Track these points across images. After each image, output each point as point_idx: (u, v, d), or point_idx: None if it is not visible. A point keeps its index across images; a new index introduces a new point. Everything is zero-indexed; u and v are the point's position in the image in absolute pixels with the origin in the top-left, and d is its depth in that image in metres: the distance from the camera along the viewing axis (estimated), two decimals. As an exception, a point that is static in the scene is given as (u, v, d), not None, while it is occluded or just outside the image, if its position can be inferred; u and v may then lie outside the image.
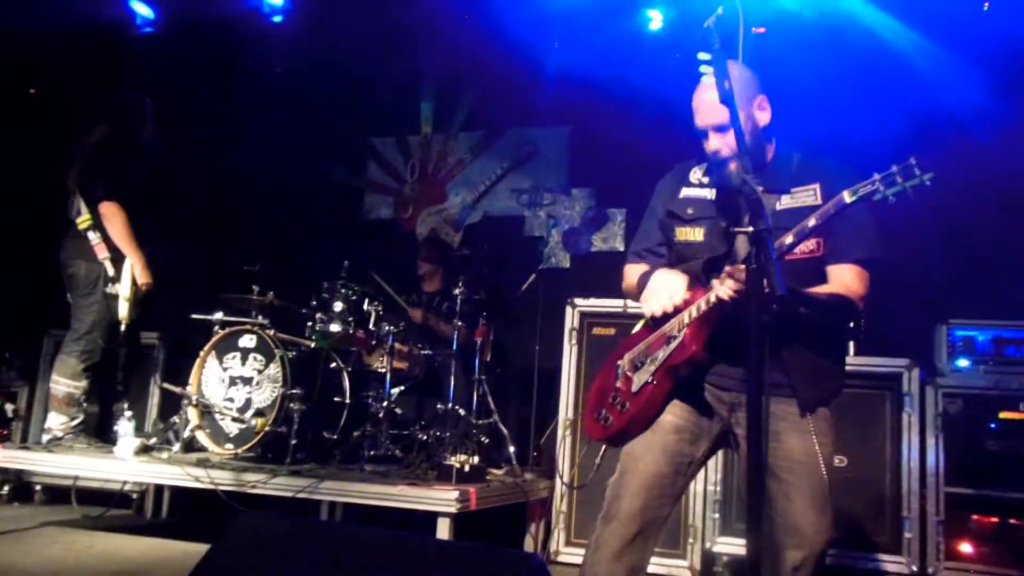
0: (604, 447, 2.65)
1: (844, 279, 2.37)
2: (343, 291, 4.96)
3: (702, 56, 2.26)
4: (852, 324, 2.47)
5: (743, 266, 2.09)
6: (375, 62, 6.73)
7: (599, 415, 2.55)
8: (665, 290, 2.38)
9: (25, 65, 6.69)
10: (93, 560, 4.19)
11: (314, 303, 4.98)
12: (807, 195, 2.38)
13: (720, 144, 2.38)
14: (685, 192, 2.58)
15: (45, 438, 4.89)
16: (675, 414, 2.45)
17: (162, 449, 4.83)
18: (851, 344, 4.63)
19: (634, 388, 2.44)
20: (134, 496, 5.44)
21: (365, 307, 5.02)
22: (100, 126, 5.06)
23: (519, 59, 6.23)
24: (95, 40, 6.72)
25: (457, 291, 4.94)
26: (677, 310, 2.36)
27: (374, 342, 5.07)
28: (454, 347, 4.93)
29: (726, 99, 2.12)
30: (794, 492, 2.30)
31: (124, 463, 4.58)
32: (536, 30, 6.24)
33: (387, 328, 4.90)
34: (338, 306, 4.93)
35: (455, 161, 6.92)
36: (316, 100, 6.93)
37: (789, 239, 2.17)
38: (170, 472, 4.44)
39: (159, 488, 5.42)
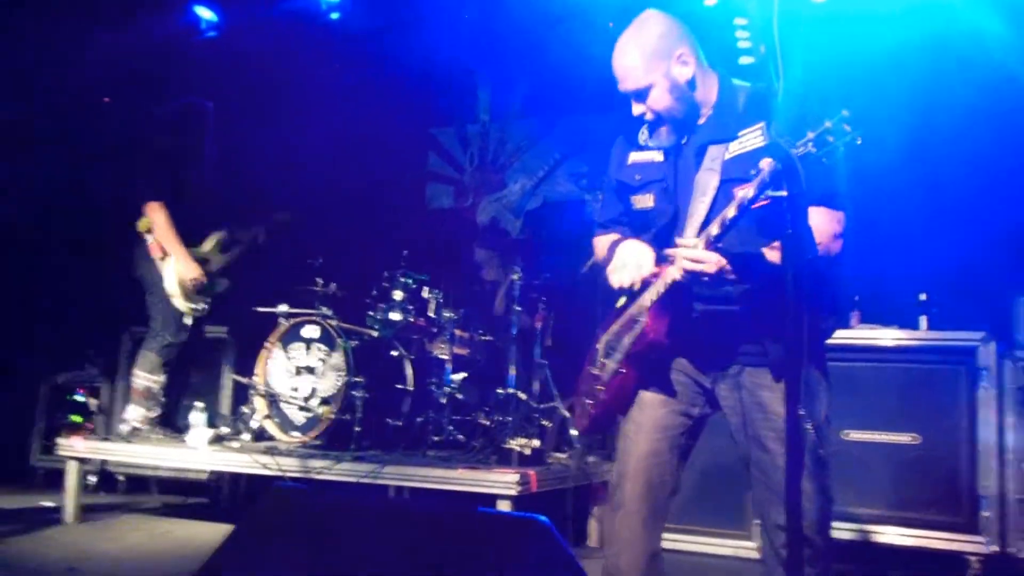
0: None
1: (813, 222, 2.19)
2: (403, 279, 5.02)
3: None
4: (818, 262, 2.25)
5: (692, 240, 2.06)
6: (432, 53, 6.78)
7: (580, 404, 2.52)
8: (633, 261, 2.27)
9: (96, 72, 6.91)
10: (173, 545, 4.36)
11: (375, 292, 5.05)
12: (755, 136, 2.21)
13: (643, 109, 2.30)
14: (633, 157, 2.45)
15: (124, 429, 5.08)
16: (660, 387, 2.38)
17: (233, 439, 4.97)
18: (923, 319, 4.49)
19: (606, 376, 2.38)
20: (211, 484, 5.62)
21: (425, 295, 5.07)
22: (160, 133, 5.23)
23: (573, 43, 6.18)
24: (162, 46, 6.92)
25: (515, 277, 4.94)
26: (646, 283, 2.26)
27: (435, 329, 5.12)
28: (514, 332, 4.93)
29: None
30: (783, 461, 2.16)
31: (197, 453, 4.73)
32: (587, 14, 6.19)
33: (447, 315, 4.94)
34: (398, 294, 4.99)
35: (513, 148, 6.92)
36: (376, 93, 7.00)
37: (731, 212, 2.02)
38: (240, 460, 4.57)
39: (234, 476, 5.58)
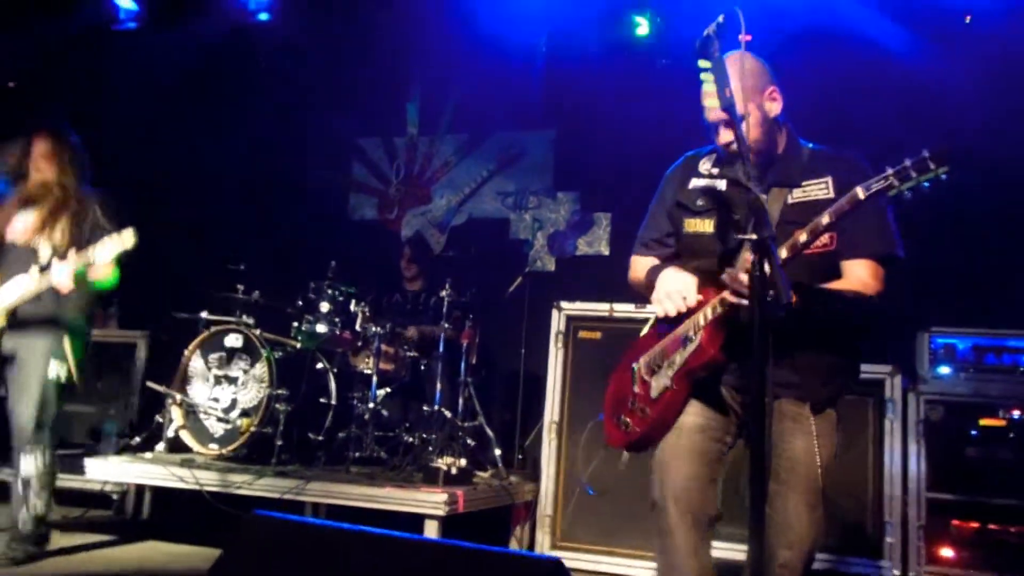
0: (626, 453, 2.60)
1: (859, 275, 2.33)
2: (329, 291, 4.95)
3: (703, 64, 2.25)
4: (866, 321, 2.41)
5: (743, 275, 2.09)
6: (361, 62, 6.73)
7: (618, 421, 2.51)
8: (677, 290, 2.34)
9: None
10: (77, 563, 4.15)
11: (300, 303, 4.96)
12: (819, 188, 2.35)
13: (731, 137, 2.32)
14: (695, 182, 2.53)
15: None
16: (696, 414, 2.42)
17: (145, 449, 4.78)
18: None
19: (653, 393, 2.41)
20: (115, 497, 5.38)
21: (351, 308, 5.01)
22: None
23: (505, 61, 6.26)
24: (79, 35, 6.65)
25: (444, 293, 4.94)
26: (690, 311, 2.33)
27: (360, 343, 5.06)
28: (440, 349, 4.93)
29: (727, 107, 2.13)
30: (788, 491, 2.32)
31: (107, 463, 4.53)
32: (522, 33, 6.27)
33: (373, 329, 4.89)
34: (324, 306, 4.92)
35: (440, 163, 6.91)
36: (302, 99, 6.90)
37: (803, 236, 2.12)
38: (154, 472, 4.40)
39: (139, 488, 5.35)
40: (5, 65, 6.52)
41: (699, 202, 2.49)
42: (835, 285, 2.32)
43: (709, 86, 2.24)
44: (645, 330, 2.61)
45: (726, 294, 2.20)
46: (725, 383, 2.42)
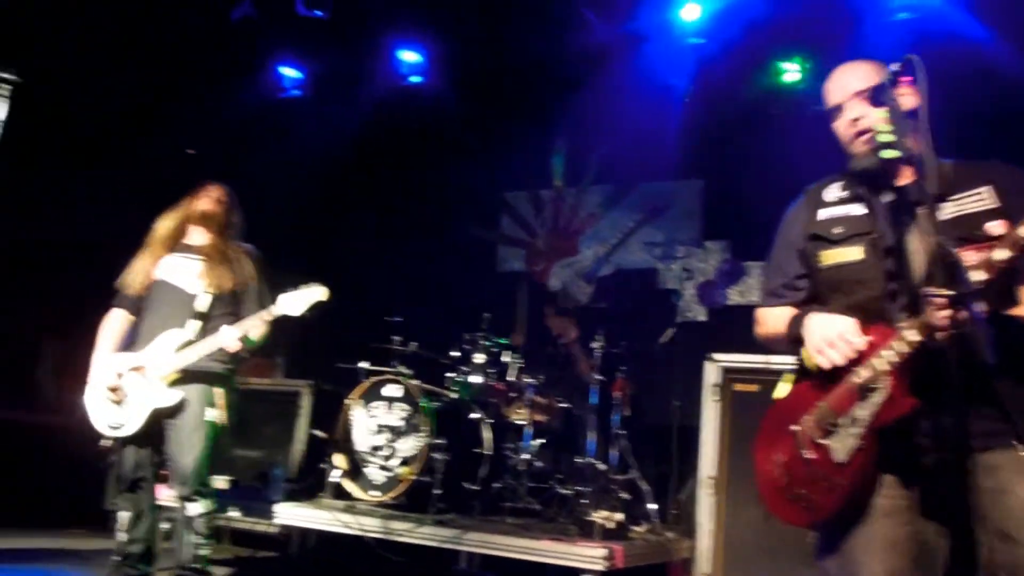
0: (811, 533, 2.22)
1: None
2: (483, 343, 5.06)
3: (879, 114, 2.17)
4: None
5: (943, 313, 1.88)
6: (507, 118, 6.92)
7: (793, 495, 2.14)
8: (839, 334, 2.07)
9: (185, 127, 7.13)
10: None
11: (455, 354, 5.08)
12: (976, 199, 2.12)
13: (869, 120, 2.15)
14: (824, 213, 2.30)
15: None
16: (884, 494, 2.07)
17: (310, 494, 4.98)
18: None
19: (838, 458, 2.05)
20: (281, 539, 5.61)
21: (505, 358, 5.09)
22: None
23: (651, 112, 6.29)
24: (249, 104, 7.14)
25: (596, 344, 4.95)
26: (856, 357, 2.06)
27: (513, 394, 5.13)
28: (594, 400, 4.93)
29: (909, 157, 2.03)
30: None
31: (276, 506, 4.74)
32: (668, 83, 6.30)
33: (526, 380, 4.96)
34: (479, 357, 5.02)
35: (587, 214, 6.99)
36: (452, 156, 7.15)
37: (1004, 253, 1.87)
38: (320, 517, 4.58)
39: (303, 532, 5.57)
40: (185, 133, 7.05)
41: (837, 230, 2.25)
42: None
43: (885, 136, 2.09)
44: (781, 390, 2.30)
45: (918, 330, 1.96)
46: (912, 440, 2.05)
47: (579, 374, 5.46)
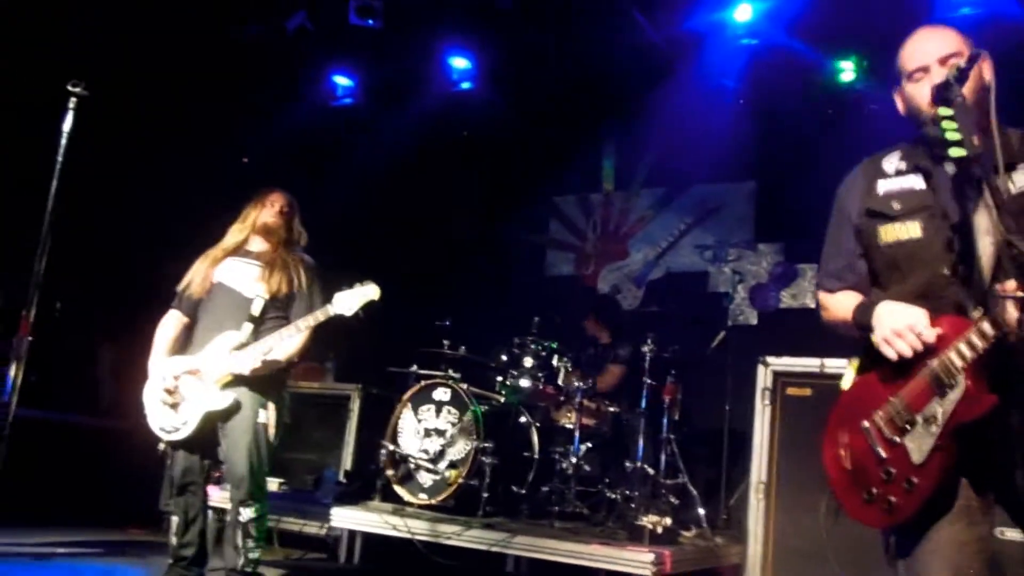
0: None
1: None
2: (533, 347, 5.05)
3: (943, 112, 2.08)
4: None
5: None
6: (557, 122, 6.91)
7: (870, 496, 2.05)
8: (908, 325, 1.98)
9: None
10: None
11: (504, 358, 5.08)
12: None
13: (949, 78, 2.00)
14: (883, 186, 2.20)
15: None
16: (959, 496, 1.99)
17: (361, 497, 5.02)
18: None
19: (916, 458, 1.96)
20: (329, 541, 5.67)
21: (554, 363, 5.08)
22: None
23: (701, 114, 6.23)
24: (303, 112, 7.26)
25: (647, 348, 4.91)
26: (927, 350, 1.98)
27: (562, 398, 5.11)
28: (642, 405, 4.89)
29: (976, 155, 1.89)
30: None
31: (325, 509, 4.79)
32: (719, 84, 6.23)
33: (576, 384, 4.93)
34: (528, 361, 5.01)
35: (636, 218, 6.94)
36: (502, 161, 7.17)
37: None
38: (369, 519, 4.61)
39: (352, 534, 5.62)
40: (242, 143, 7.20)
41: (896, 205, 2.15)
42: None
43: (952, 134, 1.97)
44: (848, 381, 2.21)
45: (996, 320, 1.85)
46: (986, 439, 1.96)
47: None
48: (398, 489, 4.90)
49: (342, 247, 6.31)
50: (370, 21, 6.55)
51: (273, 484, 5.25)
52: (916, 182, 2.16)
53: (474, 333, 5.69)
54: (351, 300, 3.65)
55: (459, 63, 6.98)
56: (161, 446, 3.78)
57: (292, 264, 3.88)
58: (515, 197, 7.20)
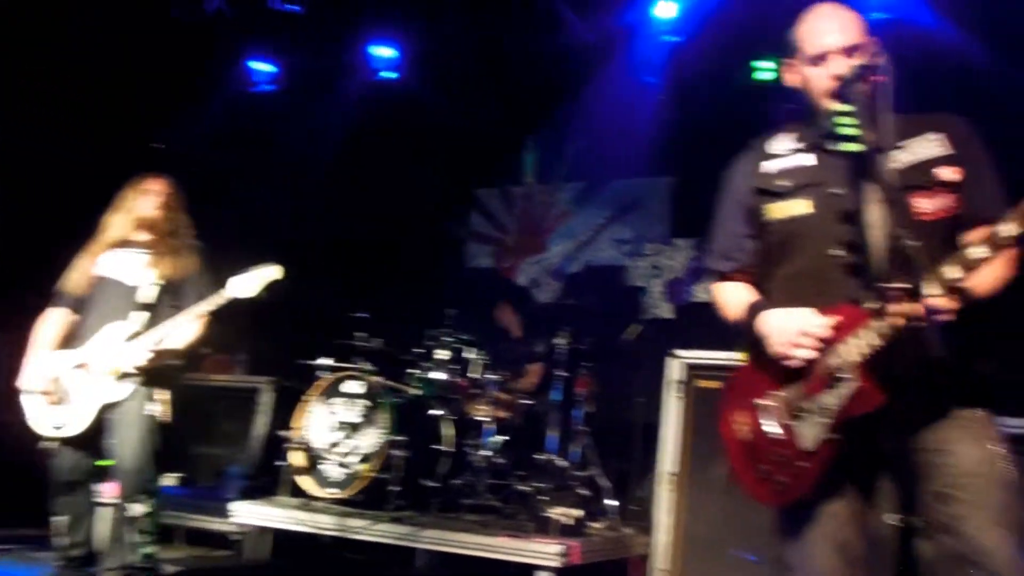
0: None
1: None
2: (446, 339, 4.99)
3: (843, 107, 2.04)
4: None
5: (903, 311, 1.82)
6: (479, 114, 6.86)
7: (762, 474, 2.08)
8: (801, 331, 1.98)
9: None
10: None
11: (418, 350, 5.02)
12: (927, 145, 2.04)
13: (848, 69, 2.04)
14: (773, 164, 2.20)
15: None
16: (841, 484, 2.04)
17: (266, 492, 4.89)
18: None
19: (805, 445, 1.99)
20: (235, 538, 5.51)
21: (468, 356, 5.03)
22: None
23: (623, 110, 6.25)
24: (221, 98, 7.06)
25: (561, 340, 4.90)
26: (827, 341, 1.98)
27: (476, 390, 5.07)
28: (557, 397, 4.87)
29: (876, 147, 1.94)
30: (972, 510, 1.89)
31: (231, 505, 4.66)
32: (643, 80, 6.27)
33: (489, 376, 4.89)
34: (441, 354, 4.95)
35: (558, 212, 6.95)
36: (422, 152, 7.09)
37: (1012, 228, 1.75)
38: (274, 515, 4.50)
39: (260, 530, 5.47)
40: (157, 130, 6.96)
41: (783, 182, 2.15)
42: (986, 277, 1.91)
43: (849, 130, 2.03)
44: (743, 354, 2.21)
45: (886, 322, 1.86)
46: (871, 431, 1.98)
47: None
48: (306, 483, 4.80)
49: (259, 237, 6.17)
50: (289, 6, 6.42)
51: (172, 479, 5.09)
52: (807, 159, 2.16)
53: (394, 326, 5.61)
54: (249, 282, 3.53)
55: (383, 52, 6.88)
56: (43, 444, 3.60)
57: (181, 250, 3.75)
58: (437, 189, 7.12)
